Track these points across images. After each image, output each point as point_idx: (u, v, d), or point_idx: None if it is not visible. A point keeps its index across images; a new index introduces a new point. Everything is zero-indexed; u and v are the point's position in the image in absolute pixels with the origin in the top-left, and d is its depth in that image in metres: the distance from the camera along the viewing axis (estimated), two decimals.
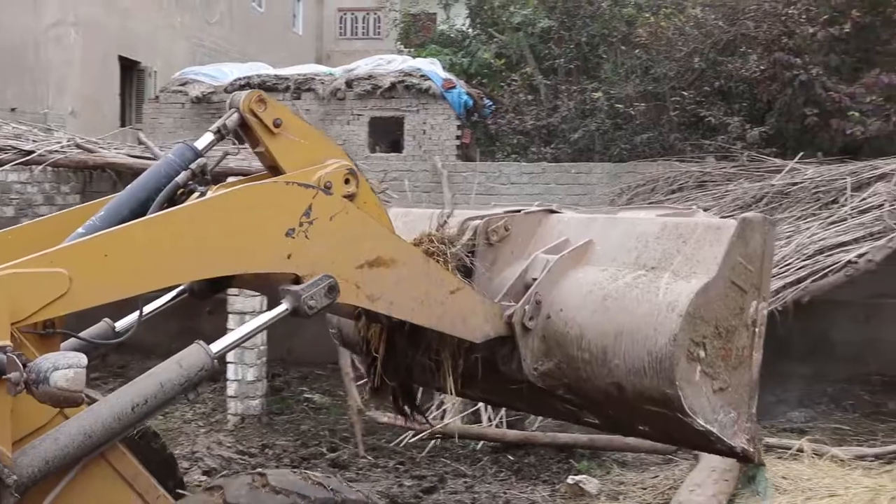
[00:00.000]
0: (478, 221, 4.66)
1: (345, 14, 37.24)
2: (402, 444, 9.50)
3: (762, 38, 14.18)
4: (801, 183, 11.68)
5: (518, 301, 4.36)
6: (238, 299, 10.13)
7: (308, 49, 32.53)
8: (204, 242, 3.63)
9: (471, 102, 16.61)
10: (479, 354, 4.46)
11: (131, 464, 3.68)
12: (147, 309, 4.22)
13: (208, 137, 4.07)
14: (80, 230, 3.76)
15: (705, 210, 11.75)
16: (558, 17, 17.15)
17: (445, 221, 4.69)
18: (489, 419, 9.56)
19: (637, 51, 15.42)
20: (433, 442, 9.42)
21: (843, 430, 10.03)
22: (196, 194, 3.92)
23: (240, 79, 16.76)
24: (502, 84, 17.73)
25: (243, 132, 4.01)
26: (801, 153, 12.89)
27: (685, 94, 14.55)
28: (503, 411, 9.49)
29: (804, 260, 9.86)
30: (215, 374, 3.75)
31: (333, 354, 10.33)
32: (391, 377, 4.79)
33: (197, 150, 4.07)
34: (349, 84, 16.49)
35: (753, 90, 14.37)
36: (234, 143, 4.38)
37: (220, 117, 4.01)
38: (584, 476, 8.23)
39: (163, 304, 4.50)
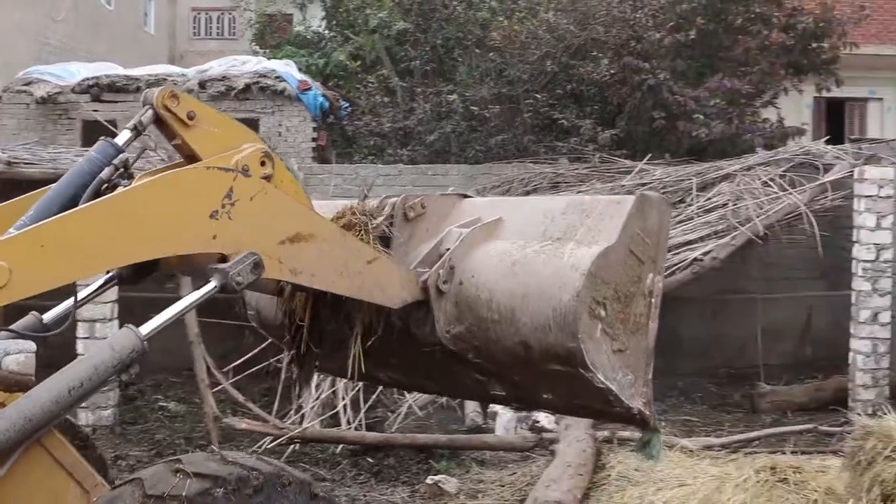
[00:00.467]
0: (396, 198, 4.89)
1: (199, 13, 36.33)
2: (260, 450, 9.31)
3: (612, 43, 14.53)
4: (650, 183, 11.98)
5: (432, 268, 4.58)
6: None
7: (161, 49, 31.62)
8: (133, 229, 3.81)
9: (327, 104, 16.47)
10: (395, 322, 4.68)
11: (70, 452, 3.89)
12: (80, 296, 4.41)
13: (126, 134, 4.21)
14: (11, 230, 3.87)
15: None
16: (414, 20, 17.19)
17: (367, 196, 4.93)
18: (348, 422, 9.46)
19: (491, 54, 15.55)
20: (291, 447, 9.27)
21: (693, 422, 10.33)
22: (119, 188, 4.04)
23: (88, 79, 16.09)
24: (359, 86, 17.64)
25: (159, 127, 4.16)
26: (650, 154, 13.24)
27: (538, 96, 14.75)
28: (361, 414, 9.43)
29: None
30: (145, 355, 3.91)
31: (188, 361, 10.06)
32: (316, 344, 4.96)
33: (118, 146, 4.19)
34: (202, 85, 16.09)
35: (604, 93, 14.69)
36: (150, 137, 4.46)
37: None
38: (443, 476, 8.21)
39: (93, 292, 4.66)
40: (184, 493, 3.56)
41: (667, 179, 11.94)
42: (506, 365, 4.66)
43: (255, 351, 9.89)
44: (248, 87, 16.05)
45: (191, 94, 16.07)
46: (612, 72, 14.30)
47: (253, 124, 15.89)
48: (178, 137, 4.18)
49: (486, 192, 13.28)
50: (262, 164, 4.28)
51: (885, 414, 6.60)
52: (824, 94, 16.03)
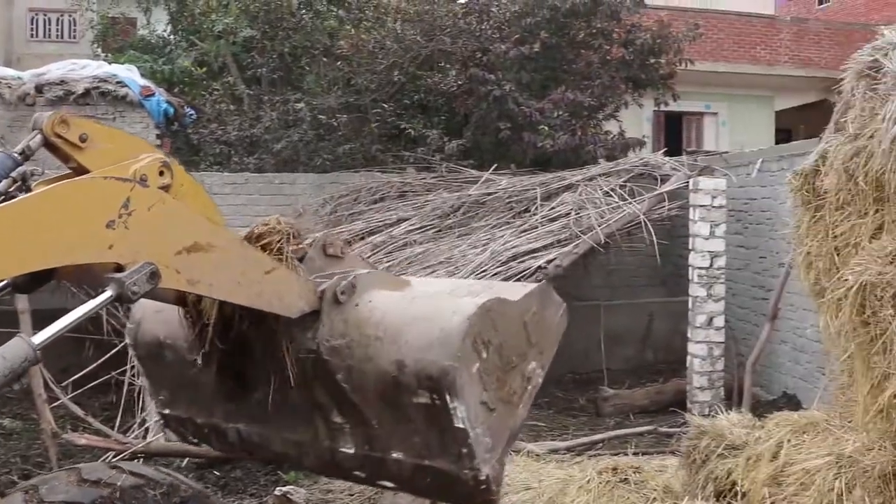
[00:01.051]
0: (321, 233, 5.10)
1: (36, 14, 34.70)
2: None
3: (459, 55, 14.67)
4: (496, 193, 12.14)
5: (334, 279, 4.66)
6: None
7: None
8: (28, 237, 3.76)
9: (171, 111, 16.01)
10: (287, 325, 4.66)
11: None
12: None
13: (16, 155, 4.15)
14: None
15: (405, 220, 12.04)
16: (260, 27, 16.94)
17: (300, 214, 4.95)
18: None
19: (339, 63, 15.47)
20: (135, 461, 8.96)
21: (539, 427, 10.45)
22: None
23: None
24: (204, 93, 17.26)
25: (51, 151, 4.14)
26: (496, 165, 13.42)
27: (386, 106, 14.76)
28: None
29: (498, 266, 10.22)
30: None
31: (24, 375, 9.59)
32: (220, 343, 4.85)
33: (17, 158, 4.15)
34: (39, 89, 15.38)
35: (451, 104, 14.81)
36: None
37: None
38: (291, 487, 8.06)
39: None
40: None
41: (512, 189, 12.09)
42: (370, 394, 4.59)
43: (96, 364, 9.53)
44: (87, 92, 15.42)
45: (27, 97, 15.46)
46: (459, 83, 14.43)
47: None
48: (73, 160, 4.15)
49: (333, 200, 13.20)
50: (161, 173, 4.25)
51: (718, 414, 6.83)
52: (663, 107, 16.62)
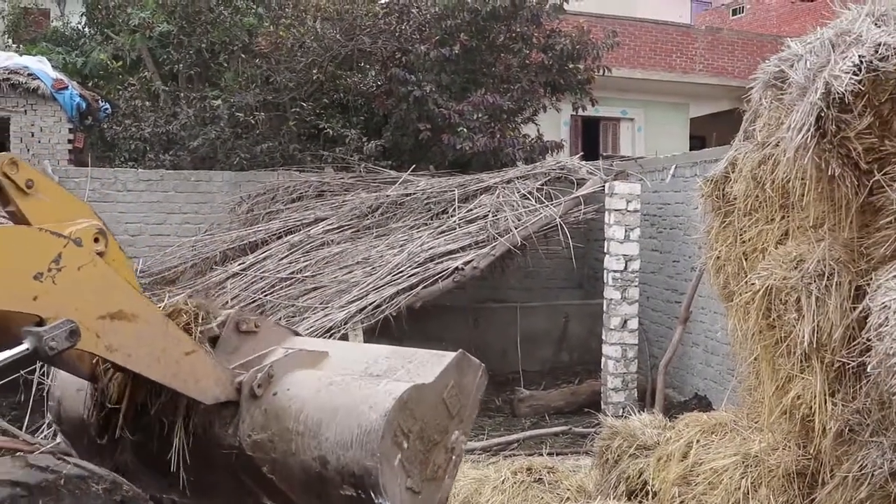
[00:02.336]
0: (231, 311, 5.12)
1: None
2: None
3: (379, 55, 14.62)
4: (414, 194, 12.14)
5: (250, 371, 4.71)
6: None
7: None
8: None
9: (84, 105, 15.67)
10: (205, 416, 4.72)
11: None
12: None
13: None
14: None
15: (323, 219, 11.97)
16: (178, 22, 16.66)
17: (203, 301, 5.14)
18: None
19: (257, 60, 15.29)
20: None
21: None
22: None
23: None
24: (119, 87, 16.91)
25: None
26: (414, 166, 13.42)
27: (305, 105, 14.63)
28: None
29: (416, 267, 10.23)
30: None
31: None
32: (127, 430, 4.92)
33: None
34: None
35: (371, 104, 14.75)
36: None
37: None
38: None
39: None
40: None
41: (430, 191, 12.11)
42: (297, 485, 4.66)
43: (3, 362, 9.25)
44: None
45: None
46: (379, 83, 14.39)
47: (3, 123, 14.91)
48: (13, 204, 4.27)
49: (250, 199, 13.06)
50: (96, 240, 4.40)
51: (631, 415, 6.93)
52: (580, 112, 16.79)
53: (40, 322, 4.02)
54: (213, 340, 4.91)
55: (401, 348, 5.04)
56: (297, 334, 5.44)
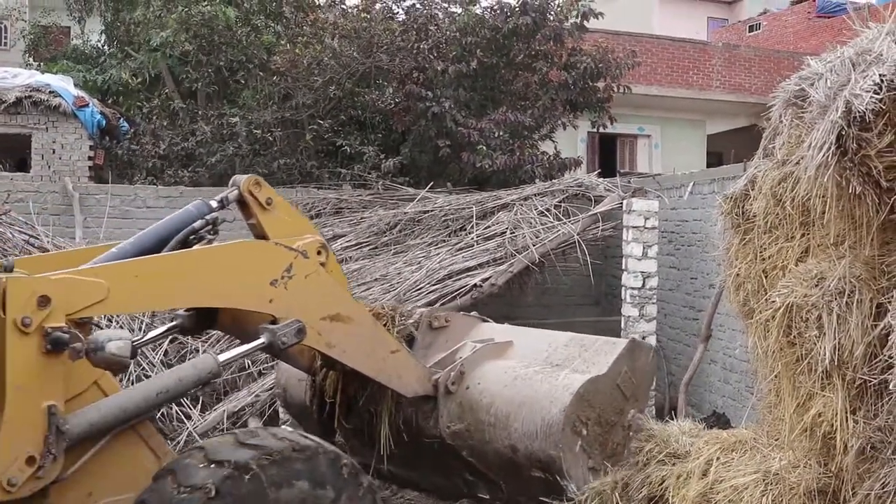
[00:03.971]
0: (424, 309, 6.07)
1: None
2: None
3: (396, 72, 14.70)
4: (432, 211, 12.18)
5: (445, 370, 5.48)
6: None
7: None
8: (209, 279, 4.73)
9: (104, 122, 15.81)
10: (408, 410, 5.59)
11: (148, 426, 4.70)
12: (148, 337, 5.73)
13: (214, 203, 5.17)
14: (113, 250, 4.85)
15: (341, 236, 12.01)
16: (197, 41, 16.79)
17: (400, 306, 6.24)
18: None
19: (275, 78, 15.40)
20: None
21: None
22: (204, 241, 5.04)
23: None
24: (139, 104, 17.04)
25: (239, 206, 5.16)
26: (432, 183, 13.46)
27: (322, 122, 14.71)
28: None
29: (434, 284, 10.26)
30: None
31: None
32: (344, 420, 5.88)
33: (211, 206, 5.14)
34: None
35: (388, 121, 14.82)
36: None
37: None
38: None
39: (156, 336, 5.65)
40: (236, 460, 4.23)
41: (448, 208, 12.14)
42: (493, 466, 5.39)
43: None
44: (19, 101, 15.21)
45: None
46: (397, 100, 14.46)
47: (25, 140, 15.06)
48: (255, 218, 5.14)
49: None
50: (319, 252, 5.18)
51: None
52: (599, 129, 16.82)
53: (273, 321, 4.86)
54: (409, 338, 5.74)
55: (578, 335, 5.79)
56: (486, 320, 6.25)
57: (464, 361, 5.48)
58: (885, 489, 3.84)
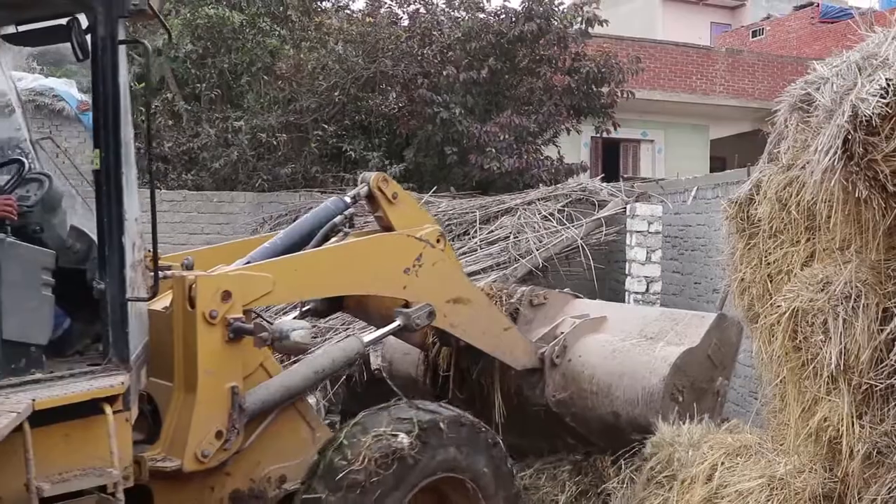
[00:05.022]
0: (524, 288, 6.60)
1: None
2: None
3: (401, 77, 14.71)
4: (435, 216, 12.16)
5: (549, 344, 6.02)
6: None
7: None
8: (356, 270, 5.35)
9: None
10: (516, 381, 6.15)
11: (304, 402, 5.37)
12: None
13: (348, 199, 5.82)
14: (266, 245, 5.51)
15: None
16: (202, 44, 16.79)
17: (504, 284, 6.86)
18: None
19: (280, 82, 15.41)
20: None
21: None
22: (341, 234, 5.66)
23: None
24: (142, 108, 17.00)
25: (367, 200, 5.74)
26: (436, 187, 13.46)
27: (327, 126, 14.73)
28: None
29: None
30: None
31: None
32: (457, 392, 6.48)
33: (347, 202, 5.80)
34: None
35: (392, 126, 14.83)
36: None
37: None
38: None
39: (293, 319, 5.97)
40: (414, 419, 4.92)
41: (451, 212, 12.14)
42: (595, 430, 5.90)
43: None
44: (22, 105, 15.18)
45: None
46: (401, 105, 14.46)
47: None
48: (382, 211, 5.70)
49: (272, 220, 13.11)
50: (438, 241, 5.68)
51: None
52: (602, 134, 16.82)
53: (406, 305, 5.44)
54: (513, 315, 6.26)
55: (667, 310, 6.54)
56: (578, 296, 6.83)
57: (566, 336, 5.98)
58: (891, 494, 3.84)
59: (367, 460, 4.71)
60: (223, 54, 16.38)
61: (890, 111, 3.64)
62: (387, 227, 5.75)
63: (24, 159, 4.89)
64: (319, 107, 14.94)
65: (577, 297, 6.82)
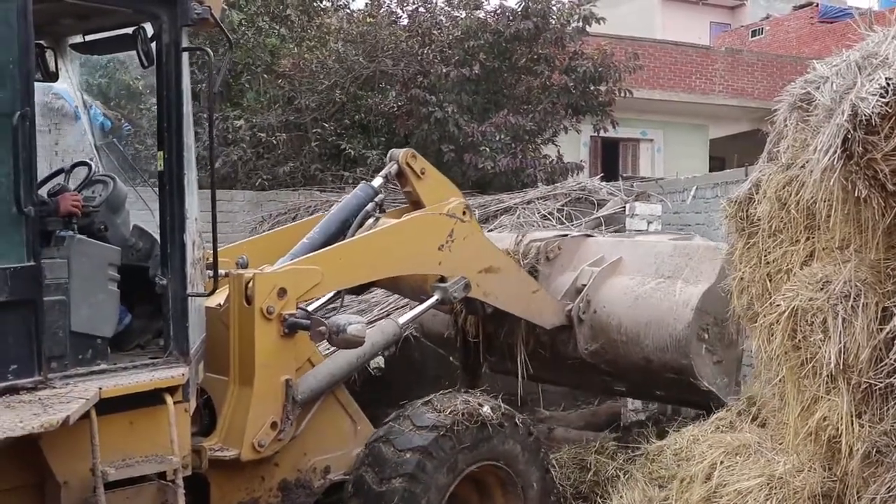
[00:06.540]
0: (538, 243, 6.81)
1: None
2: None
3: (400, 76, 14.70)
4: None
5: (573, 300, 6.36)
6: None
7: None
8: (393, 253, 5.64)
9: (109, 125, 15.78)
10: (545, 340, 6.51)
11: (346, 395, 5.63)
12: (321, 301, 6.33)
13: (379, 181, 6.10)
14: (304, 240, 5.75)
15: None
16: (201, 42, 16.75)
17: (521, 240, 6.97)
18: None
19: (280, 81, 15.40)
20: None
21: None
22: (372, 220, 5.93)
23: None
24: (143, 107, 17.00)
25: (397, 177, 6.05)
26: None
27: (326, 125, 14.71)
28: None
29: None
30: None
31: None
32: (487, 354, 6.96)
33: (376, 188, 6.05)
34: None
35: (392, 125, 14.82)
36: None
37: None
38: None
39: (328, 300, 6.27)
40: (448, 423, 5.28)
41: None
42: (630, 374, 6.29)
43: None
44: None
45: None
46: (400, 104, 14.45)
47: None
48: (410, 186, 6.00)
49: (271, 218, 13.09)
50: (464, 213, 5.93)
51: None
52: (601, 133, 16.80)
53: (441, 279, 5.75)
54: (532, 274, 6.51)
55: (680, 243, 6.47)
56: (590, 235, 7.21)
57: (588, 289, 6.24)
58: (890, 493, 3.84)
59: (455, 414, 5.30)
60: (222, 53, 16.34)
61: (889, 110, 3.65)
62: (416, 202, 6.04)
63: (90, 162, 5.25)
64: (319, 106, 14.93)
65: (589, 235, 7.17)
